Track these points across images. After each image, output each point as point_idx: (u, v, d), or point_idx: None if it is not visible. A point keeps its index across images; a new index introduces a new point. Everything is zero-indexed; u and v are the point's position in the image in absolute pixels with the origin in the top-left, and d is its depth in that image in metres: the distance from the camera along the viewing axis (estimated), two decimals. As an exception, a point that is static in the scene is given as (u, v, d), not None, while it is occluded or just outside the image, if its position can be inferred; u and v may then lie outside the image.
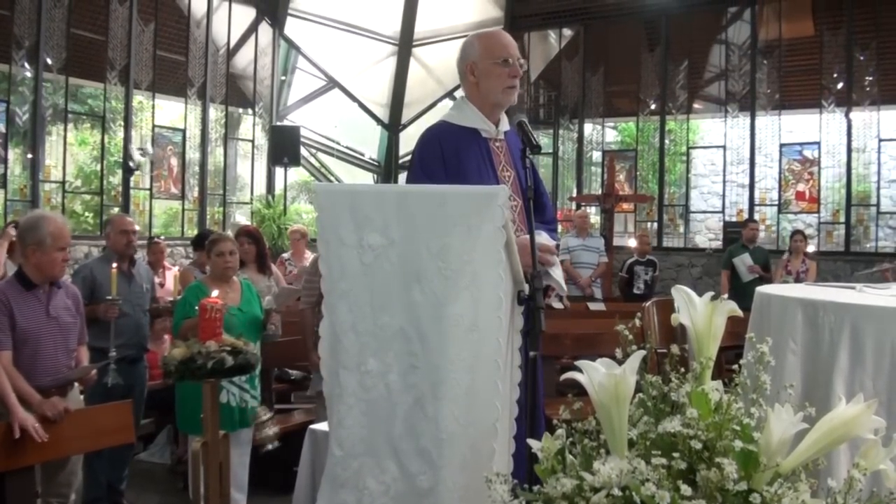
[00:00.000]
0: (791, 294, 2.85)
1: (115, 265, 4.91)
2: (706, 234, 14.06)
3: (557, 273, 2.86)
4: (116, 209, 11.07)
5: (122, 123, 11.14)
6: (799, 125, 12.50)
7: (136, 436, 5.04)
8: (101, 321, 4.73)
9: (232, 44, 12.68)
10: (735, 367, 1.72)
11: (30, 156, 10.17)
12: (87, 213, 11.82)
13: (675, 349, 1.78)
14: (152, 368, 5.94)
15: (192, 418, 4.25)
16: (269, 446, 4.13)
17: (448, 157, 2.85)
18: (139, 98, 11.38)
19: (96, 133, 11.49)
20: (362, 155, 14.96)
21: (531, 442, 1.75)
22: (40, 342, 3.85)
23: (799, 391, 2.50)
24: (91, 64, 10.85)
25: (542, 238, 2.84)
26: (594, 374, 1.63)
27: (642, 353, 1.65)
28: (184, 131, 12.08)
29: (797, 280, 8.97)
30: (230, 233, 6.51)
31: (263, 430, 3.99)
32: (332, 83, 14.00)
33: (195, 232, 10.77)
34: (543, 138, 13.84)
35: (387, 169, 14.71)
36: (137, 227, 5.60)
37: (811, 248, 10.51)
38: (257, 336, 4.85)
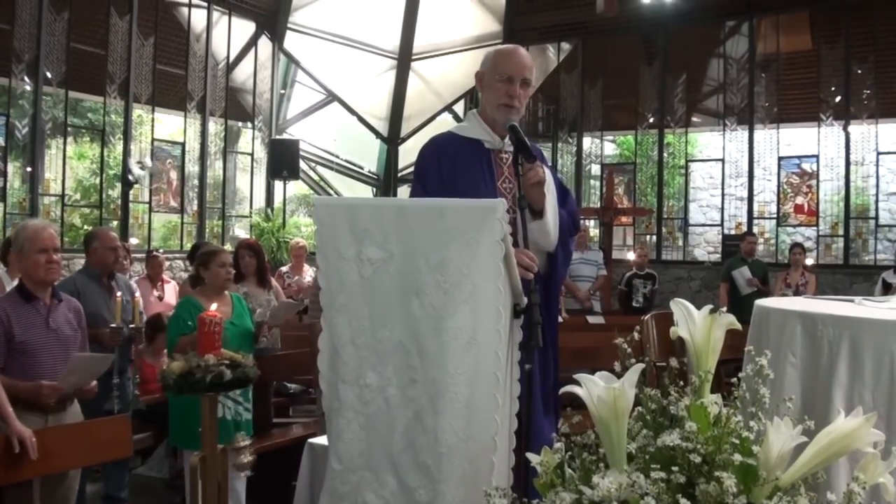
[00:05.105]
0: (790, 307, 2.85)
1: (119, 294, 4.91)
2: (705, 247, 14.06)
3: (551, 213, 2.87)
4: (115, 223, 11.07)
5: (122, 137, 11.15)
6: (797, 138, 12.54)
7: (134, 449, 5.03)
8: (105, 346, 4.73)
9: (231, 58, 12.72)
10: (734, 380, 1.73)
11: (29, 169, 10.16)
12: (86, 227, 11.80)
13: (674, 362, 1.79)
14: (150, 383, 5.93)
15: (186, 433, 4.23)
16: (243, 475, 4.10)
17: (444, 167, 2.86)
18: (139, 112, 11.39)
19: (96, 146, 11.50)
20: (361, 168, 14.97)
21: (530, 456, 1.75)
22: (39, 354, 3.84)
23: (798, 404, 2.50)
24: (91, 77, 10.87)
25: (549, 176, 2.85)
26: (593, 387, 1.63)
27: (641, 366, 1.65)
28: (183, 145, 12.09)
29: (796, 293, 8.97)
30: (229, 246, 6.50)
31: (240, 456, 3.97)
32: (332, 97, 14.04)
33: (195, 245, 10.78)
34: (542, 152, 13.84)
35: (386, 182, 14.73)
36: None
37: (810, 261, 10.51)
38: (250, 348, 4.83)
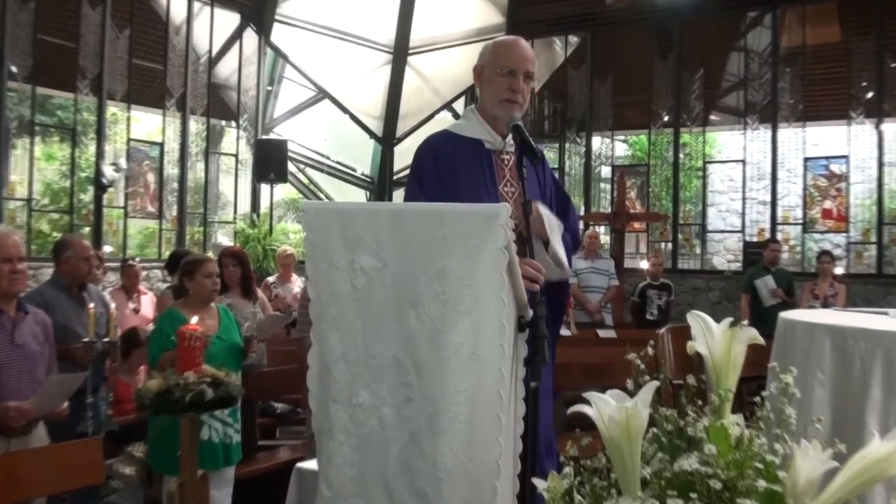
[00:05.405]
0: (818, 320, 2.85)
1: (91, 306, 4.90)
2: (724, 255, 14.06)
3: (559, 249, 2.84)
4: (88, 229, 11.06)
5: (95, 137, 11.17)
6: (825, 138, 12.53)
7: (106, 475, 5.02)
8: (77, 363, 4.71)
9: (214, 52, 12.75)
10: (757, 399, 1.72)
11: (-7, 171, 10.18)
12: (55, 234, 11.79)
13: (691, 380, 1.78)
14: (125, 402, 5.91)
15: (166, 456, 4.22)
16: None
17: (443, 168, 2.87)
18: (113, 109, 11.40)
19: (66, 147, 11.50)
20: (354, 171, 14.99)
21: (536, 481, 1.74)
22: (3, 372, 3.83)
23: (828, 426, 2.49)
24: (60, 72, 10.88)
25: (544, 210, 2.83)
26: (604, 407, 1.62)
27: (656, 384, 1.64)
28: (161, 145, 12.10)
29: (825, 305, 8.97)
30: (211, 254, 6.50)
31: None
32: (322, 94, 14.06)
33: (175, 254, 10.76)
34: (549, 153, 13.86)
35: (380, 186, 14.75)
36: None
37: (839, 271, 10.50)
38: (238, 365, 4.83)
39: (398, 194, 14.34)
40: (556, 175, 13.46)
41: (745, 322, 1.81)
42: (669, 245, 13.09)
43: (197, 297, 4.82)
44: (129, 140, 11.60)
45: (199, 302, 4.80)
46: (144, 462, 4.72)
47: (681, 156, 13.10)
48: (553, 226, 2.84)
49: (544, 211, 2.81)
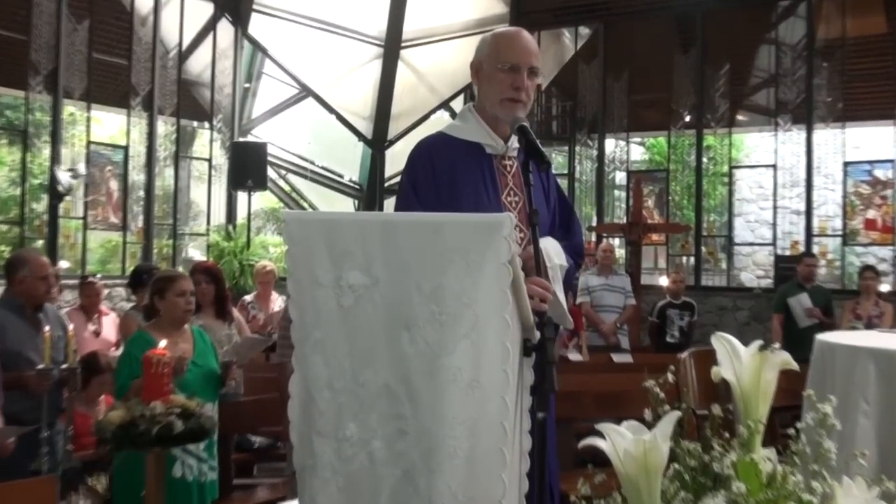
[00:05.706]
0: (861, 343, 2.86)
1: (47, 329, 4.88)
2: (754, 270, 14.08)
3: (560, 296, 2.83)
4: (41, 242, 11.04)
5: (49, 139, 11.14)
6: (868, 140, 12.54)
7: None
8: (30, 392, 4.70)
9: (185, 45, 12.77)
10: (791, 431, 1.72)
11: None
12: (3, 247, 11.77)
13: (716, 410, 1.78)
14: (85, 436, 5.90)
15: (133, 496, 4.21)
16: None
17: (440, 175, 2.86)
18: (70, 109, 11.40)
19: (16, 151, 11.49)
20: (341, 177, 15.01)
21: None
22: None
23: (874, 461, 2.49)
24: (9, 68, 10.87)
25: (548, 245, 2.82)
26: (619, 440, 1.63)
27: (677, 414, 1.65)
28: (126, 149, 12.10)
29: (869, 326, 8.94)
30: (182, 269, 6.49)
31: None
32: (306, 92, 14.08)
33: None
34: (558, 157, 13.90)
35: (370, 193, 14.75)
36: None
37: (885, 288, 10.48)
38: (215, 394, 4.82)
39: (389, 203, 14.33)
40: (565, 182, 13.44)
41: (777, 345, 1.81)
42: (692, 259, 13.07)
43: (169, 317, 4.82)
44: (88, 143, 11.59)
45: (172, 323, 4.79)
46: (106, 498, 4.71)
47: (704, 160, 13.09)
48: (557, 276, 2.84)
49: (549, 249, 2.81)
